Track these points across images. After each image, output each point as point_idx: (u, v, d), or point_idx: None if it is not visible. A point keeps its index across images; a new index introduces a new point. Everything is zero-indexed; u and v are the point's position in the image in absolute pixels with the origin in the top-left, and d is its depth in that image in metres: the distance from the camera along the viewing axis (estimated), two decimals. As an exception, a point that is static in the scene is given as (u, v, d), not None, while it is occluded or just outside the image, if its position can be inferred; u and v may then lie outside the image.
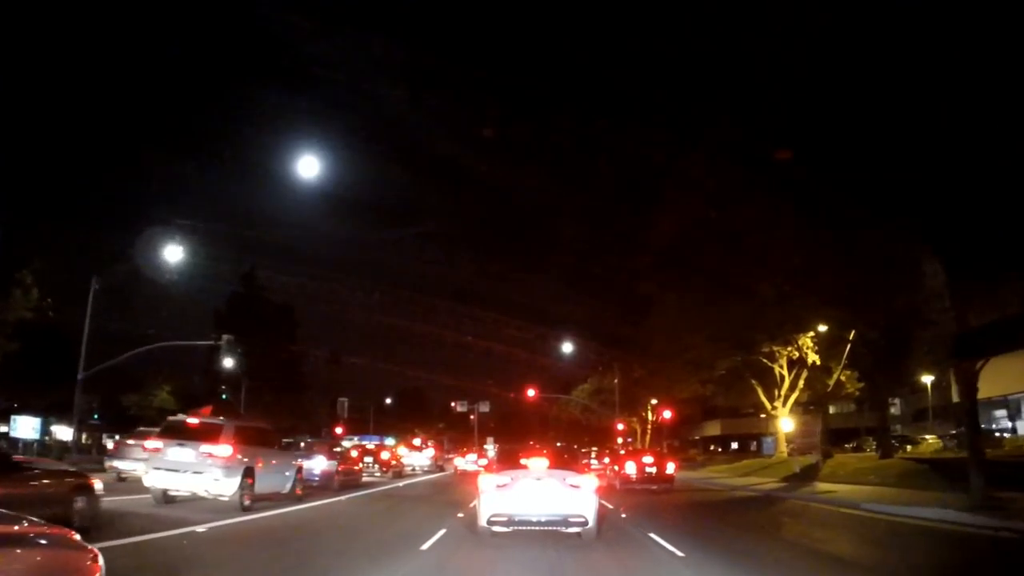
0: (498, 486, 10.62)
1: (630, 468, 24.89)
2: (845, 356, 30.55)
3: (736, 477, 34.95)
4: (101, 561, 3.58)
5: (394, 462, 33.91)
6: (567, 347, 48.50)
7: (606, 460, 43.41)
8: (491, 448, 53.38)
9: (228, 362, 56.64)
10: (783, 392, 35.46)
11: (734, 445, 64.42)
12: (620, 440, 58.88)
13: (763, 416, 55.44)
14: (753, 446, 59.30)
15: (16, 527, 3.30)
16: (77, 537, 3.67)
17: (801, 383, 34.49)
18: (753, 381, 36.45)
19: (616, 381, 49.91)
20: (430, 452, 43.38)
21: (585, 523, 10.37)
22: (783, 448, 36.47)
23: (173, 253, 24.32)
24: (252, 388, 54.70)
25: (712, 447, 68.59)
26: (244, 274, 65.67)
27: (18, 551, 3.08)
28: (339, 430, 55.20)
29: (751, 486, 27.84)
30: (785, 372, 34.92)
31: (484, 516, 10.54)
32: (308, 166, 16.49)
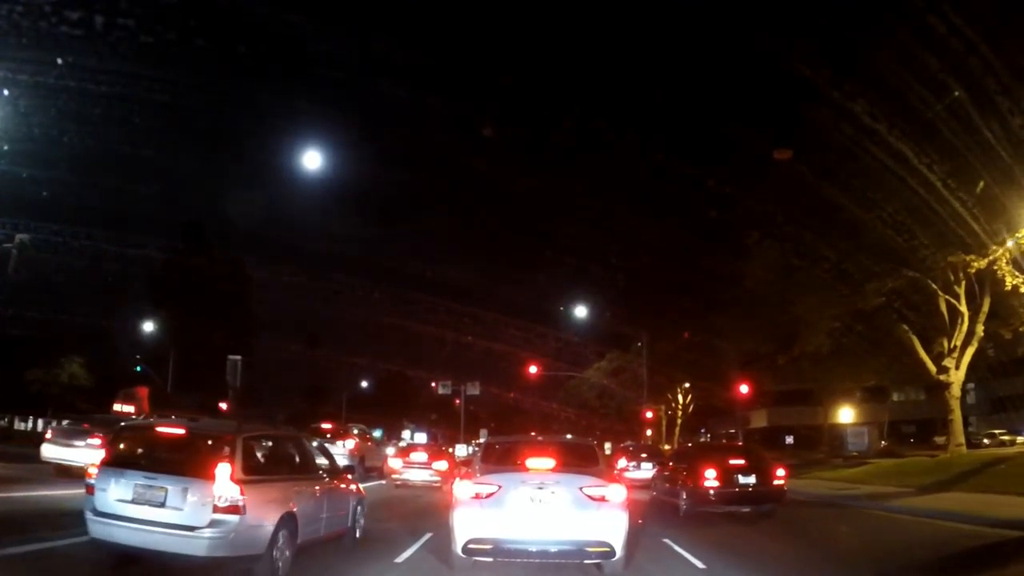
0: (478, 496, 7.48)
1: (710, 476, 13.84)
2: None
3: (934, 493, 17.00)
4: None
5: None
6: (581, 311, 40.10)
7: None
8: (483, 441, 41.80)
9: (148, 327, 45.25)
10: (958, 341, 22.65)
11: (788, 439, 52.65)
12: (649, 432, 48.51)
13: (818, 406, 44.53)
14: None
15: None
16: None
17: (980, 328, 22.17)
18: (904, 327, 23.54)
19: (640, 345, 39.89)
20: (350, 444, 22.45)
21: (611, 553, 7.23)
22: (959, 437, 23.57)
23: None
24: (187, 362, 44.01)
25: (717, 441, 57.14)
26: (185, 226, 54.84)
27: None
28: (223, 406, 39.51)
29: None
30: (963, 306, 22.23)
31: (460, 541, 7.38)
32: (309, 160, 15.98)
